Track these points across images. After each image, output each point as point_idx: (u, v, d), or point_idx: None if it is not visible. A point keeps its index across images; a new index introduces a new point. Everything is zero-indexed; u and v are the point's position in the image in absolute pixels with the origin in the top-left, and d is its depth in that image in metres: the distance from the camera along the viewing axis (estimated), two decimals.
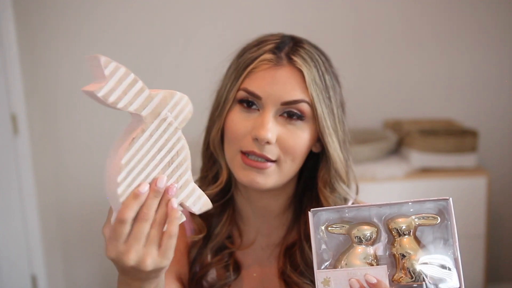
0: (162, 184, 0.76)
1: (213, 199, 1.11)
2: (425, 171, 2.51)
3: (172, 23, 2.61)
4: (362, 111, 2.72)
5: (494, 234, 2.77)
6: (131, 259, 0.75)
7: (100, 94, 0.69)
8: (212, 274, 1.11)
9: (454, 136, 2.50)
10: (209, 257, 1.11)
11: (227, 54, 1.12)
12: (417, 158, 2.49)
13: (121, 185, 0.73)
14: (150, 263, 0.76)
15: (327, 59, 1.06)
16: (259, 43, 1.05)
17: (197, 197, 0.82)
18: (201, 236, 1.11)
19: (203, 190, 0.85)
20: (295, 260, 1.08)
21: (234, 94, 1.02)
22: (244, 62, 1.03)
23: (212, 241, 1.11)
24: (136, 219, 0.75)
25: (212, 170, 1.11)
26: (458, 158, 2.50)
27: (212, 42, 2.62)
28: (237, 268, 1.12)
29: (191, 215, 1.12)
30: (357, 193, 1.12)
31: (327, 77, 1.02)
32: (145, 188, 0.75)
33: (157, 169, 0.77)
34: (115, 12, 2.57)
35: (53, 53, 2.56)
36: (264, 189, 1.02)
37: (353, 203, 1.12)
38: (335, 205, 1.06)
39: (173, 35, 2.62)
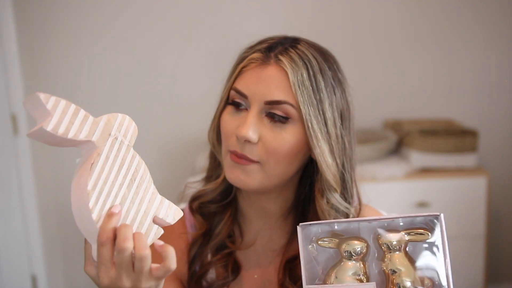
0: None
1: (215, 199, 1.11)
2: (425, 171, 2.50)
3: (172, 23, 2.61)
4: (362, 111, 2.71)
5: (494, 234, 2.77)
6: (125, 282, 0.77)
7: (49, 128, 0.70)
8: (211, 274, 1.10)
9: (454, 136, 2.50)
10: (209, 256, 1.11)
11: (226, 57, 1.12)
12: (417, 158, 2.49)
13: (95, 211, 0.74)
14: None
15: (326, 60, 1.02)
16: (257, 43, 1.05)
17: (167, 207, 0.83)
18: (201, 232, 1.11)
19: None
20: (296, 273, 1.07)
21: (227, 93, 1.03)
22: (238, 61, 1.04)
23: (213, 240, 1.11)
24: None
25: (217, 170, 1.11)
26: (458, 158, 2.49)
27: (212, 43, 2.62)
28: (237, 268, 1.11)
29: (192, 211, 1.13)
30: (360, 204, 1.09)
31: (320, 78, 0.99)
32: (118, 208, 0.75)
33: (123, 187, 0.77)
34: (115, 13, 2.57)
35: (53, 53, 2.57)
36: (250, 189, 1.01)
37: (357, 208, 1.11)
38: (333, 219, 1.03)
39: (172, 36, 2.62)
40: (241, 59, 1.03)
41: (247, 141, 0.97)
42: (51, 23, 2.55)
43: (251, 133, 0.97)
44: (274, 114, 0.98)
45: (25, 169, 2.41)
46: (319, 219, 1.04)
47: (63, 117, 0.72)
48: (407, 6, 2.69)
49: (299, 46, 1.01)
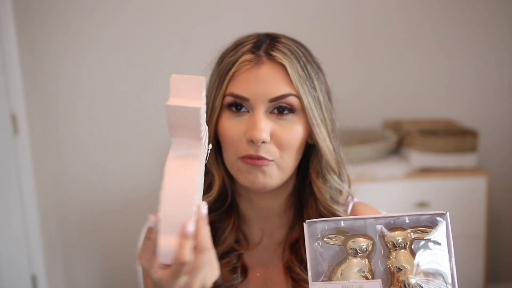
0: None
1: (211, 208, 1.11)
2: (425, 171, 2.51)
3: (172, 23, 2.61)
4: (362, 111, 2.72)
5: (494, 234, 2.77)
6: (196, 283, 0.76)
7: (201, 112, 0.73)
8: None
9: (454, 136, 2.50)
10: None
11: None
12: (417, 158, 2.49)
13: (195, 204, 0.72)
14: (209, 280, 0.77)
15: (306, 49, 1.06)
16: (236, 46, 1.05)
17: None
18: None
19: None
20: (300, 254, 1.09)
21: (221, 100, 1.02)
22: (225, 67, 1.03)
23: (219, 246, 1.10)
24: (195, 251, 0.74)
25: (206, 180, 1.10)
26: (458, 158, 2.50)
27: (212, 43, 2.61)
28: (244, 270, 1.12)
29: None
30: (349, 186, 1.12)
31: (309, 67, 1.02)
32: (191, 227, 0.72)
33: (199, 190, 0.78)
34: (115, 12, 2.57)
35: (53, 53, 2.56)
36: (268, 189, 1.02)
37: (348, 199, 1.12)
38: (329, 196, 1.07)
39: (172, 35, 2.62)
40: (229, 64, 1.03)
41: (262, 142, 0.98)
42: (51, 22, 2.54)
43: (265, 134, 0.98)
44: (283, 107, 1.00)
45: (25, 169, 2.40)
46: (317, 201, 1.08)
47: (204, 106, 0.75)
48: (407, 6, 2.69)
49: (282, 40, 1.04)
